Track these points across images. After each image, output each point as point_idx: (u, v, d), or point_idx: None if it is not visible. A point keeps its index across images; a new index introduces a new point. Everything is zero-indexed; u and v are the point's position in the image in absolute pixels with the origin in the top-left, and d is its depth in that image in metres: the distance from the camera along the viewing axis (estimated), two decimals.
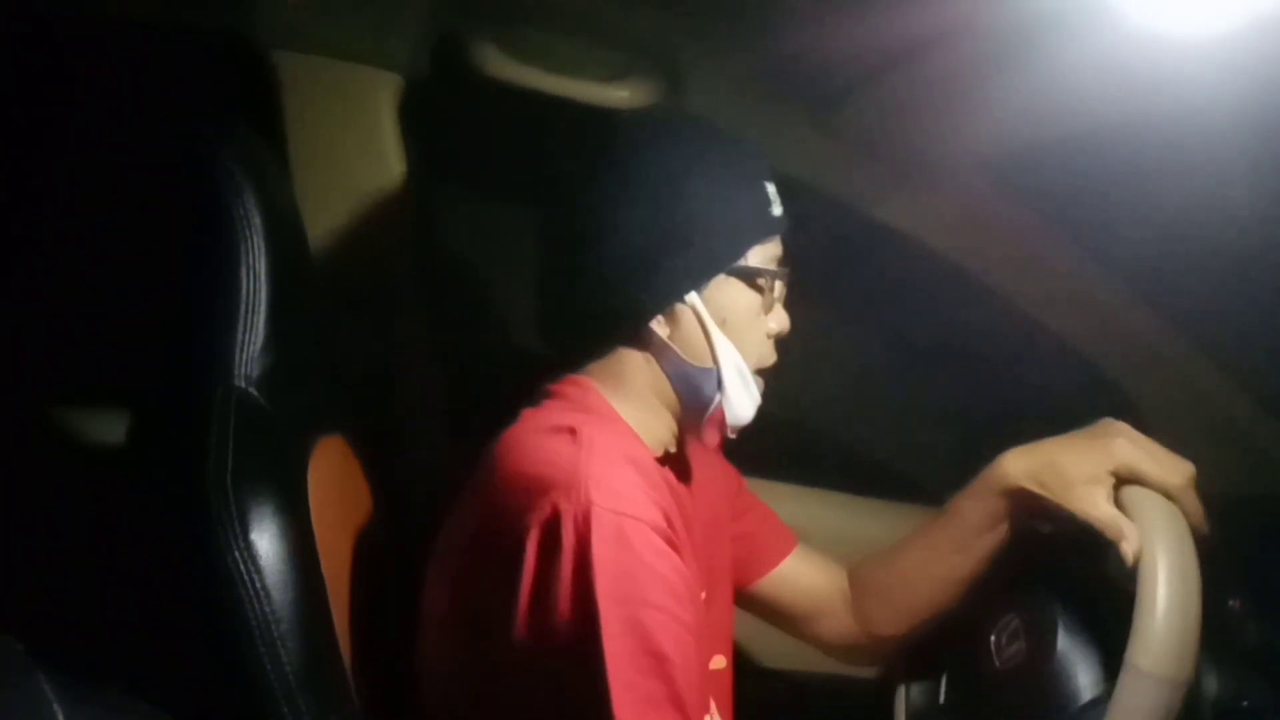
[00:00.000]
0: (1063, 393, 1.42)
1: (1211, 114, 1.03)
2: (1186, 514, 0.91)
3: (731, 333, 0.94)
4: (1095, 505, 0.92)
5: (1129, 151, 1.32)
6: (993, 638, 1.02)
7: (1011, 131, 1.21)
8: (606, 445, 0.86)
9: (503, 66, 1.18)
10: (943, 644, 1.14)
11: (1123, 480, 0.94)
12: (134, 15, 1.15)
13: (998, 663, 1.01)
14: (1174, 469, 0.94)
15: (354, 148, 1.20)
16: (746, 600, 1.17)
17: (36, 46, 1.20)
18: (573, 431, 0.86)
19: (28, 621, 0.59)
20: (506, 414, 0.96)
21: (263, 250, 0.84)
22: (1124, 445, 0.95)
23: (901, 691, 1.15)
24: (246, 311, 0.84)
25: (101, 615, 0.89)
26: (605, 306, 0.93)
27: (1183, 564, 0.87)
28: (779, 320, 0.99)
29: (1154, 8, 0.86)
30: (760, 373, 0.99)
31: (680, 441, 1.03)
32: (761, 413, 1.01)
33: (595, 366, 0.97)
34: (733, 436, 1.00)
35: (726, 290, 0.94)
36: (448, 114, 1.30)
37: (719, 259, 0.93)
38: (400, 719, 0.96)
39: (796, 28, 1.11)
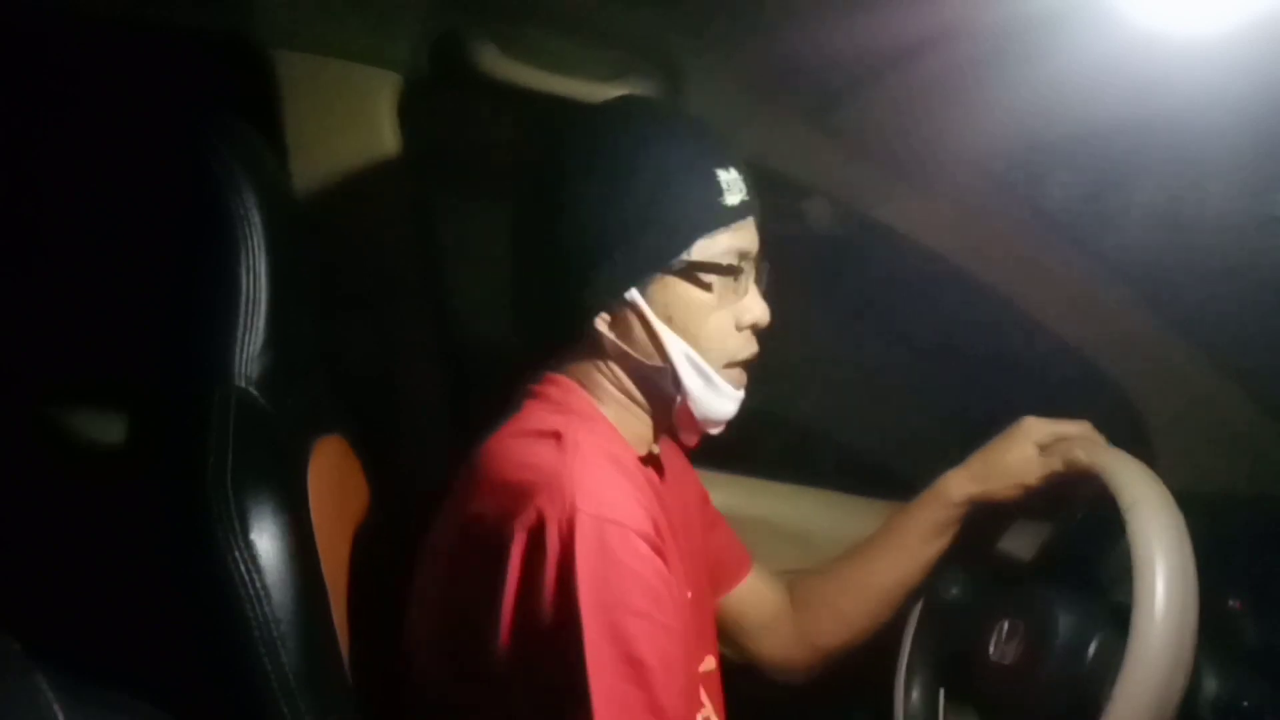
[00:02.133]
0: (1063, 393, 1.42)
1: (1211, 114, 1.03)
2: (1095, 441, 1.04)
3: (681, 329, 0.92)
4: (1047, 467, 1.03)
5: (1129, 151, 1.32)
6: (992, 637, 1.02)
7: (1011, 131, 1.21)
8: (591, 448, 0.85)
9: (502, 66, 1.18)
10: (942, 644, 1.14)
11: (1045, 449, 1.05)
12: (134, 15, 1.15)
13: (996, 662, 1.01)
14: (1078, 426, 1.07)
15: (354, 147, 1.20)
16: None
17: (36, 46, 1.20)
18: (557, 435, 0.86)
19: (26, 621, 0.59)
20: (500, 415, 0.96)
21: (262, 250, 0.84)
22: (1034, 421, 1.08)
23: (900, 692, 1.15)
24: (246, 311, 0.84)
25: (100, 615, 0.89)
26: (553, 304, 0.93)
27: (1181, 562, 0.87)
28: (753, 312, 0.95)
29: (1154, 7, 0.86)
30: (745, 366, 0.97)
31: (659, 441, 1.02)
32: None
33: (573, 365, 0.96)
34: (714, 433, 0.99)
35: (671, 286, 0.91)
36: (447, 113, 1.30)
37: (656, 255, 0.90)
38: (398, 719, 0.96)
39: (795, 28, 1.11)
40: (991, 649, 1.01)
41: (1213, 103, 1.01)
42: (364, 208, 1.22)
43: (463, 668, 0.85)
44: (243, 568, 0.76)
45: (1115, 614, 0.90)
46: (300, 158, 1.18)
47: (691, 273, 0.91)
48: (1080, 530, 1.01)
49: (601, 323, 0.92)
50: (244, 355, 0.84)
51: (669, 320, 0.92)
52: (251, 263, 0.84)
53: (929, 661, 1.14)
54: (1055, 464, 1.03)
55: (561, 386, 0.95)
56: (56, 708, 0.52)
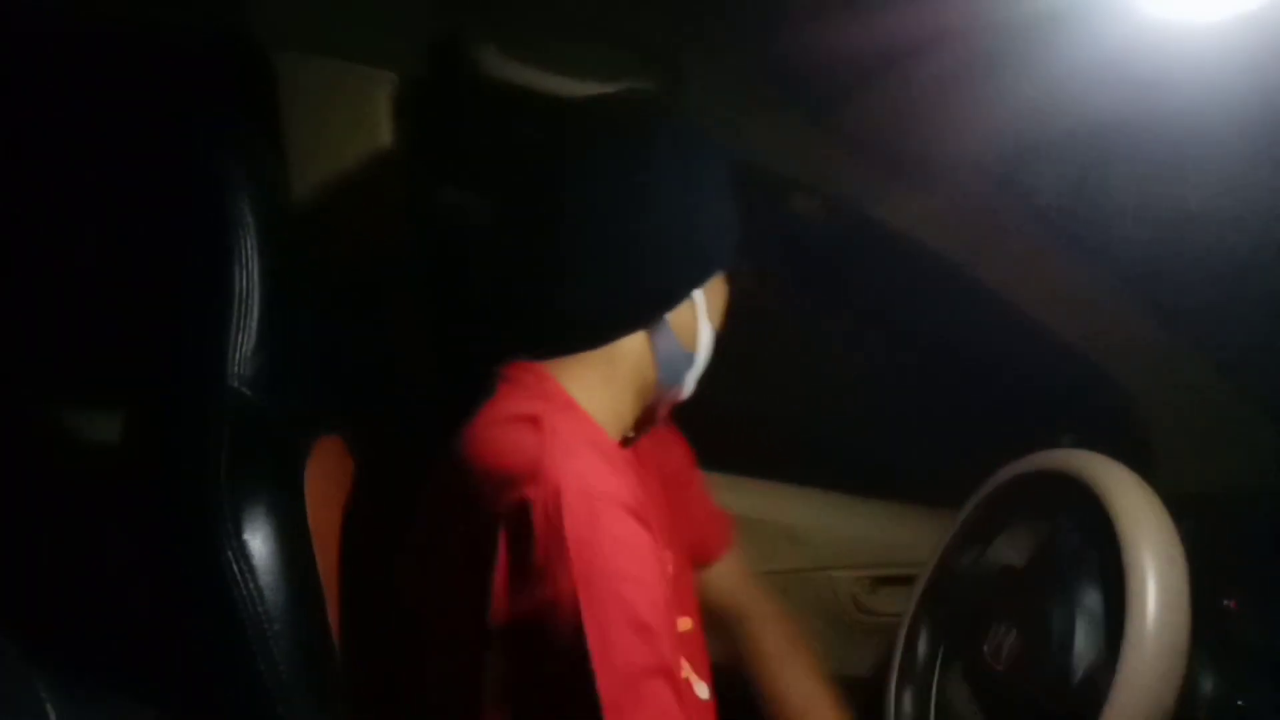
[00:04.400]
0: (1062, 393, 1.42)
1: (1214, 112, 1.02)
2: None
3: (712, 322, 1.00)
4: None
5: (1129, 150, 1.32)
6: (985, 642, 1.02)
7: (1013, 130, 1.21)
8: (569, 433, 0.87)
9: (502, 66, 1.18)
10: (936, 645, 1.14)
11: None
12: (133, 15, 1.15)
13: (991, 666, 1.01)
14: None
15: (353, 147, 1.20)
16: None
17: (36, 46, 1.20)
18: (534, 419, 0.87)
19: (20, 621, 0.59)
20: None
21: (257, 249, 0.84)
22: None
23: (892, 693, 1.15)
24: (240, 311, 0.84)
25: (95, 615, 0.89)
26: (629, 298, 0.94)
27: (1171, 564, 0.87)
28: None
29: (1153, 8, 0.86)
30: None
31: (638, 422, 1.03)
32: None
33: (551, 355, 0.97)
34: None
35: (718, 284, 1.00)
36: (447, 114, 1.30)
37: (726, 254, 0.98)
38: (394, 717, 0.96)
39: (795, 27, 1.11)
40: (985, 654, 1.01)
41: (1215, 100, 1.01)
42: (362, 208, 1.22)
43: (456, 660, 0.85)
44: (237, 568, 0.76)
45: (1108, 615, 0.90)
46: (299, 157, 1.18)
47: (730, 274, 1.00)
48: (1070, 534, 1.01)
49: (671, 314, 0.96)
50: (239, 355, 0.84)
51: (710, 315, 0.99)
52: (246, 262, 0.84)
53: (921, 668, 1.14)
54: None
55: (535, 374, 0.95)
56: (49, 707, 0.52)
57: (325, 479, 0.93)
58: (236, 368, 0.83)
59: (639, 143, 0.94)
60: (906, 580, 1.28)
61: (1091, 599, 0.95)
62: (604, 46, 1.21)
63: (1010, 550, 1.09)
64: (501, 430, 0.88)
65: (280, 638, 0.77)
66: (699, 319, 0.98)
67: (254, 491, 0.79)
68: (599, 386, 0.96)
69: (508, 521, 0.80)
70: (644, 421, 1.03)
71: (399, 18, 1.17)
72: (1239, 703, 0.96)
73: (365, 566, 1.00)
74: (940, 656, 1.13)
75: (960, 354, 1.50)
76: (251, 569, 0.77)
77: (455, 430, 0.93)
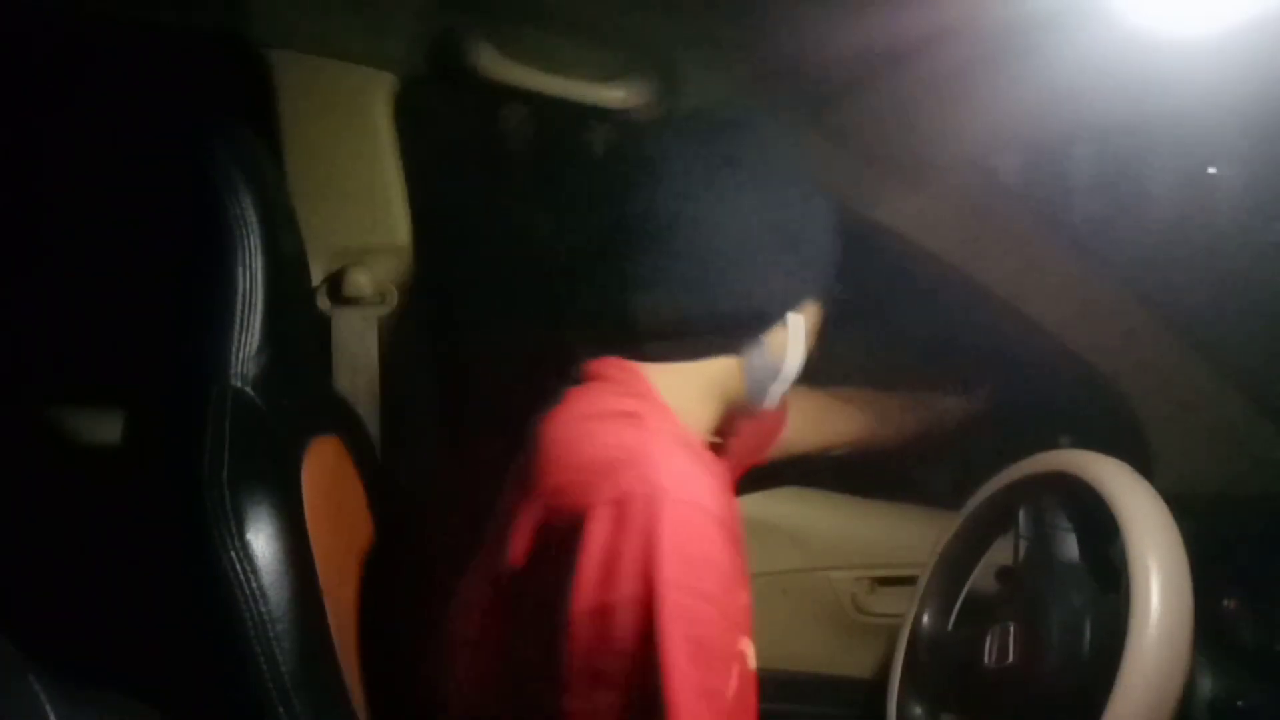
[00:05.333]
0: (1062, 393, 1.42)
1: (1211, 115, 1.03)
2: None
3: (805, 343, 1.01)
4: None
5: (1128, 151, 1.32)
6: (985, 645, 1.02)
7: (1010, 131, 1.21)
8: (667, 433, 0.88)
9: (500, 66, 1.18)
10: (938, 646, 1.14)
11: None
12: (133, 15, 1.15)
13: (992, 670, 1.00)
14: None
15: (350, 147, 1.20)
16: None
17: (36, 46, 1.20)
18: (635, 415, 0.88)
19: (20, 622, 0.59)
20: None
21: (259, 249, 0.84)
22: None
23: (894, 693, 1.15)
24: (243, 311, 0.84)
25: (95, 615, 0.89)
26: (737, 317, 0.95)
27: (1175, 563, 0.87)
28: None
29: (1152, 8, 0.86)
30: None
31: (717, 430, 1.03)
32: None
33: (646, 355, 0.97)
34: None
35: (809, 310, 1.00)
36: (445, 114, 1.30)
37: (827, 280, 0.99)
38: (396, 718, 0.96)
39: (794, 27, 1.11)
40: (986, 657, 1.01)
41: (1212, 103, 1.01)
42: (360, 208, 1.22)
43: (524, 644, 0.85)
44: (239, 567, 0.76)
45: (1110, 615, 0.90)
46: (297, 158, 1.18)
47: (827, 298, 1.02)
48: (1071, 534, 1.01)
49: (780, 324, 0.97)
50: (240, 355, 0.84)
51: (805, 336, 1.00)
52: (249, 263, 0.84)
53: (922, 669, 1.14)
54: None
55: (627, 371, 0.96)
56: (49, 709, 0.51)
57: (323, 479, 0.93)
58: (240, 367, 0.83)
59: (761, 166, 0.94)
60: (907, 581, 1.28)
61: (1092, 599, 0.95)
62: (601, 46, 1.21)
63: (1010, 550, 1.09)
64: (601, 424, 0.89)
65: (283, 638, 0.77)
66: (792, 339, 0.99)
67: (256, 491, 0.79)
68: (687, 392, 0.96)
69: (607, 508, 0.80)
70: (722, 431, 1.03)
71: (396, 18, 1.17)
72: (1239, 703, 0.96)
73: (362, 566, 1.00)
74: (942, 657, 1.13)
75: (959, 354, 1.50)
76: (254, 569, 0.77)
77: (532, 420, 0.94)
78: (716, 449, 1.03)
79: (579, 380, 0.96)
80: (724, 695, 0.81)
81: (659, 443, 0.85)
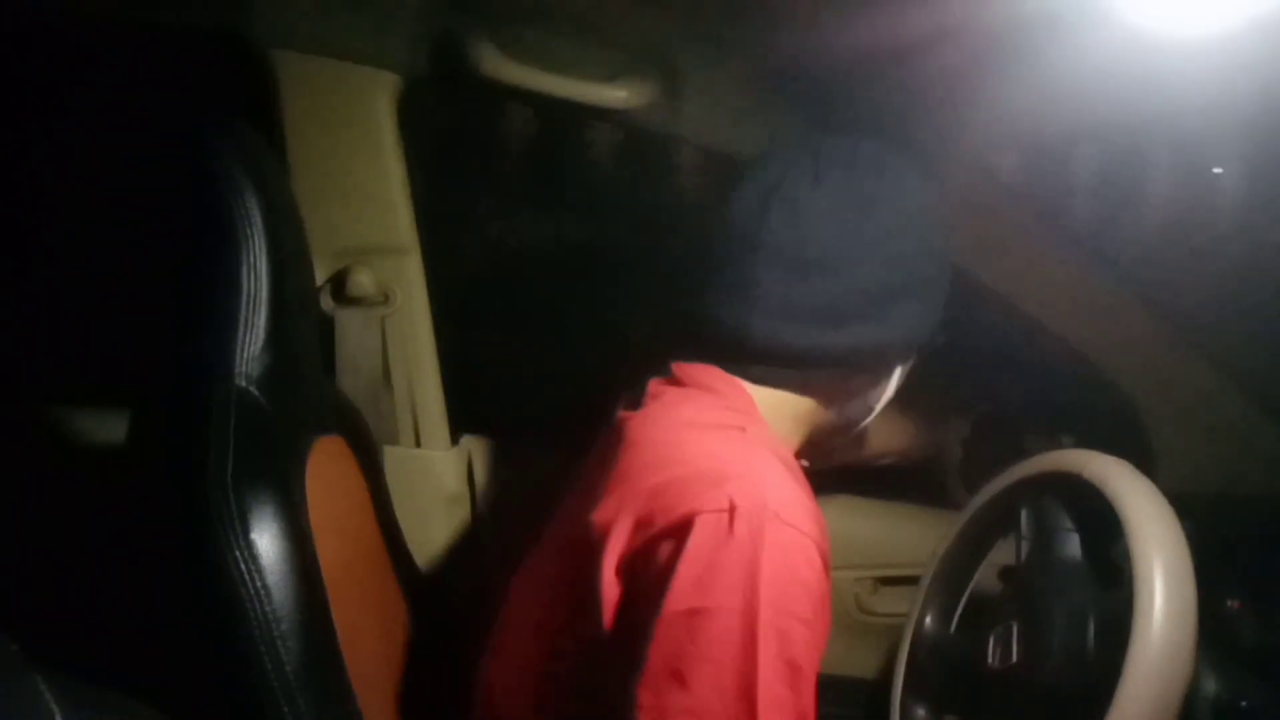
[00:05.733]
0: (1063, 393, 1.42)
1: (1211, 115, 1.03)
2: None
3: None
4: None
5: (1128, 151, 1.32)
6: (988, 645, 1.02)
7: (1011, 131, 1.21)
8: (771, 451, 0.88)
9: (501, 66, 1.18)
10: (940, 647, 1.14)
11: None
12: (134, 15, 1.15)
13: (995, 670, 1.00)
14: None
15: (353, 147, 1.20)
16: None
17: (37, 47, 1.20)
18: (741, 429, 0.89)
19: (25, 622, 0.59)
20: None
21: (264, 249, 0.84)
22: None
23: (897, 693, 1.15)
24: (247, 310, 0.84)
25: (100, 615, 0.89)
26: (869, 351, 0.96)
27: (1180, 563, 0.87)
28: None
29: (1153, 8, 0.86)
30: None
31: (798, 452, 1.03)
32: None
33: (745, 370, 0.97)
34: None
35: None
36: (447, 114, 1.30)
37: (933, 327, 0.99)
38: (398, 717, 0.96)
39: (795, 27, 1.11)
40: (989, 658, 1.01)
41: (1212, 103, 1.01)
42: (363, 207, 1.22)
43: (598, 637, 0.85)
44: (243, 567, 0.76)
45: (1112, 615, 0.90)
46: (300, 158, 1.18)
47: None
48: (1073, 534, 1.01)
49: (840, 374, 0.97)
50: (245, 354, 0.84)
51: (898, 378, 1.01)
52: (253, 262, 0.84)
53: (925, 670, 1.14)
54: None
55: (729, 384, 0.96)
56: (55, 708, 0.51)
57: (327, 478, 0.93)
58: (243, 367, 0.83)
59: (899, 211, 0.94)
60: (910, 581, 1.28)
61: (1095, 598, 0.95)
62: (602, 46, 1.21)
63: (1013, 550, 1.09)
64: (707, 432, 0.89)
65: (286, 637, 0.77)
66: (893, 381, 1.01)
67: (260, 491, 0.79)
68: (784, 414, 0.97)
69: (713, 516, 0.80)
70: (806, 454, 1.03)
71: (398, 18, 1.17)
72: (1242, 704, 0.96)
73: (366, 566, 1.00)
74: (945, 658, 1.13)
75: (960, 354, 1.50)
76: (258, 569, 0.76)
77: (616, 419, 0.95)
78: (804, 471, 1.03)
79: (674, 386, 0.97)
80: (807, 716, 0.81)
81: (767, 461, 0.86)
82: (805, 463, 1.01)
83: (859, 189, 0.92)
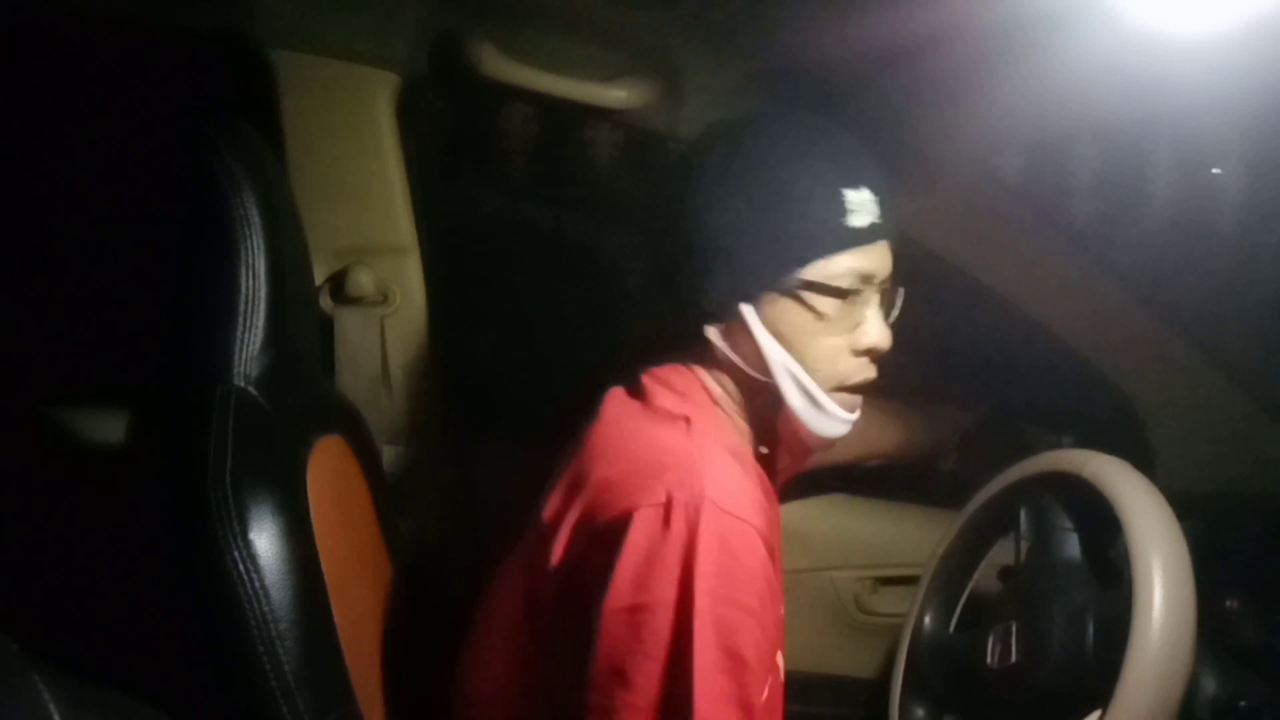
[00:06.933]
0: (1063, 393, 1.42)
1: (1211, 115, 1.03)
2: None
3: (789, 346, 0.91)
4: None
5: (1129, 151, 1.32)
6: (987, 646, 1.02)
7: (1011, 132, 1.21)
8: (716, 440, 0.88)
9: (501, 66, 1.18)
10: (940, 646, 1.14)
11: None
12: (134, 15, 1.15)
13: (995, 669, 1.00)
14: None
15: (353, 147, 1.20)
16: None
17: (37, 46, 1.20)
18: (687, 421, 0.89)
19: (24, 621, 0.59)
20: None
21: (262, 249, 0.84)
22: None
23: (896, 693, 1.15)
24: (246, 310, 0.84)
25: (99, 614, 0.89)
26: (671, 306, 0.95)
27: (1178, 562, 0.87)
28: (871, 336, 0.93)
29: (1153, 8, 0.86)
30: (860, 390, 0.96)
31: (760, 434, 1.02)
32: None
33: (694, 361, 0.97)
34: (819, 453, 1.03)
35: (781, 303, 0.91)
36: (446, 114, 1.30)
37: (768, 272, 0.90)
38: (398, 716, 0.96)
39: (795, 28, 1.11)
40: (988, 657, 1.01)
41: (1212, 103, 1.01)
42: (362, 207, 1.22)
43: (558, 636, 0.86)
44: (242, 567, 0.76)
45: (1112, 615, 0.90)
46: (299, 157, 1.18)
47: (804, 292, 0.90)
48: (1072, 534, 1.01)
49: (713, 332, 0.94)
50: (244, 354, 0.84)
51: (778, 336, 0.91)
52: (251, 262, 0.84)
53: (924, 669, 1.14)
54: None
55: (685, 378, 0.96)
56: (53, 708, 0.51)
57: (327, 478, 0.93)
58: (243, 367, 0.83)
59: (734, 169, 0.92)
60: (909, 581, 1.28)
61: (1095, 598, 0.95)
62: (602, 46, 1.21)
63: (1012, 550, 1.09)
64: (654, 424, 0.90)
65: (286, 636, 0.77)
66: (759, 341, 0.91)
67: (259, 491, 0.79)
68: (728, 395, 0.97)
69: (650, 510, 0.81)
70: (768, 441, 1.01)
71: (398, 18, 1.17)
72: (1241, 703, 0.96)
73: (366, 565, 1.00)
74: (944, 658, 1.13)
75: (960, 354, 1.50)
76: (257, 568, 0.77)
77: (586, 423, 0.95)
78: (763, 459, 1.02)
79: (644, 382, 0.97)
80: (755, 707, 0.81)
81: (708, 450, 0.86)
82: (765, 449, 1.01)
83: (721, 164, 0.91)
